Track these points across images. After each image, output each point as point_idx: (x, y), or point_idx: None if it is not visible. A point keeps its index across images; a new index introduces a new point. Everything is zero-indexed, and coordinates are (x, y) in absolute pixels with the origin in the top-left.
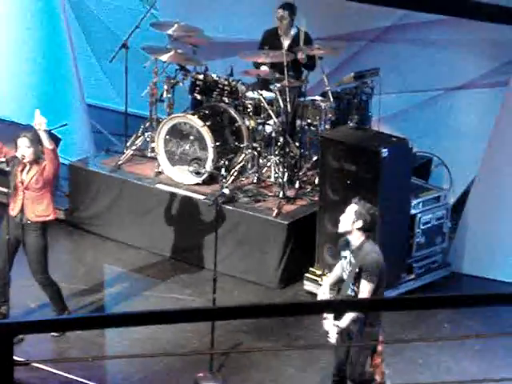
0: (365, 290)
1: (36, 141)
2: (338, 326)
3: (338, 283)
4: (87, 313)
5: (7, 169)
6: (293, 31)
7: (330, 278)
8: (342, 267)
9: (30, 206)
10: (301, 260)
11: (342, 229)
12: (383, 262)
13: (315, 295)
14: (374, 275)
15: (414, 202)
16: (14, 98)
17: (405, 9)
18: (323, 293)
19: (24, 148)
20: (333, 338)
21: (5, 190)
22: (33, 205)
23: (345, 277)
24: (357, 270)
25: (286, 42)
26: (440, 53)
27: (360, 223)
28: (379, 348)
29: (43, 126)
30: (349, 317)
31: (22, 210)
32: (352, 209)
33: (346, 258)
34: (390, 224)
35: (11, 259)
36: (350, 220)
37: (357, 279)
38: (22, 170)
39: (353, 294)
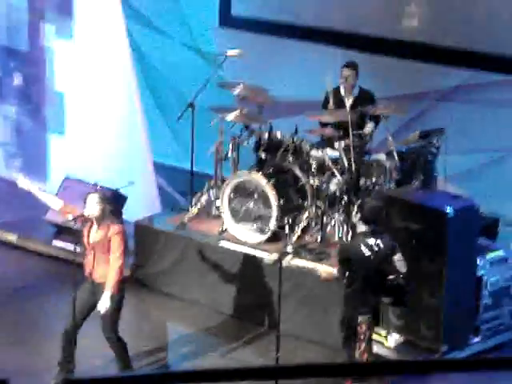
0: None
1: (105, 199)
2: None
3: None
4: (151, 370)
5: (75, 227)
6: (356, 90)
7: None
8: None
9: (98, 266)
10: None
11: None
12: (359, 260)
13: (380, 356)
14: (339, 259)
15: (481, 262)
16: (81, 156)
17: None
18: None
19: (92, 205)
20: None
21: (71, 247)
22: (101, 265)
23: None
24: None
25: (349, 101)
26: (506, 113)
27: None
28: (359, 330)
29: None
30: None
31: (92, 269)
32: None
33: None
34: (456, 285)
35: (83, 319)
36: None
37: None
38: (90, 229)
39: None
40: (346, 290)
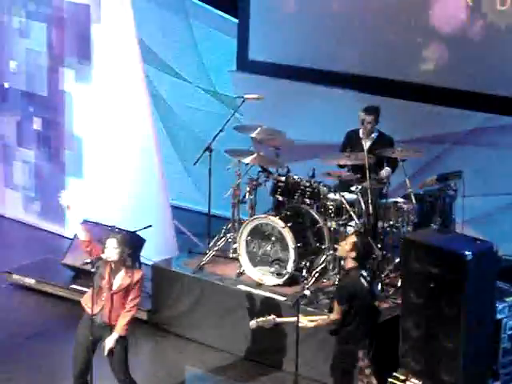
0: (334, 309)
1: (123, 243)
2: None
3: None
4: None
5: (92, 270)
6: (374, 134)
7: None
8: None
9: (115, 309)
10: (383, 364)
11: (339, 253)
12: (363, 293)
13: None
14: (343, 298)
15: (500, 306)
16: (99, 199)
17: None
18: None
19: (111, 249)
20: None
21: (86, 290)
22: (118, 309)
23: None
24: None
25: (367, 144)
26: None
27: (353, 254)
28: (360, 364)
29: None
30: (316, 322)
31: (109, 313)
32: (351, 239)
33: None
34: (475, 328)
35: (91, 362)
36: (347, 248)
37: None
38: (111, 273)
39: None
40: (347, 327)
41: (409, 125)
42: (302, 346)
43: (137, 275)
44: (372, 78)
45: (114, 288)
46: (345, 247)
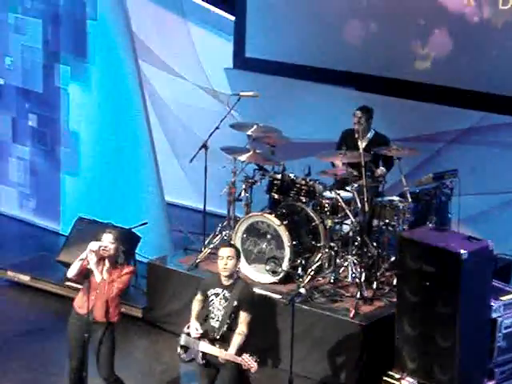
0: (245, 320)
1: (119, 239)
2: (231, 356)
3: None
4: None
5: (88, 267)
6: (370, 134)
7: (194, 315)
8: (208, 303)
9: (101, 306)
10: (378, 362)
11: (226, 271)
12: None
13: None
14: (252, 307)
15: (495, 305)
16: (94, 196)
17: None
18: (196, 328)
19: (107, 243)
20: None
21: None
22: (104, 305)
23: (216, 312)
24: (235, 303)
25: (362, 144)
26: None
27: (239, 263)
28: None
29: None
30: (235, 346)
31: (94, 308)
32: (231, 251)
33: (217, 294)
34: (470, 327)
35: (84, 357)
36: (234, 261)
37: (235, 313)
38: (103, 268)
39: (226, 327)
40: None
41: (405, 123)
42: (296, 344)
43: (127, 269)
44: (368, 76)
45: (100, 281)
46: (231, 262)
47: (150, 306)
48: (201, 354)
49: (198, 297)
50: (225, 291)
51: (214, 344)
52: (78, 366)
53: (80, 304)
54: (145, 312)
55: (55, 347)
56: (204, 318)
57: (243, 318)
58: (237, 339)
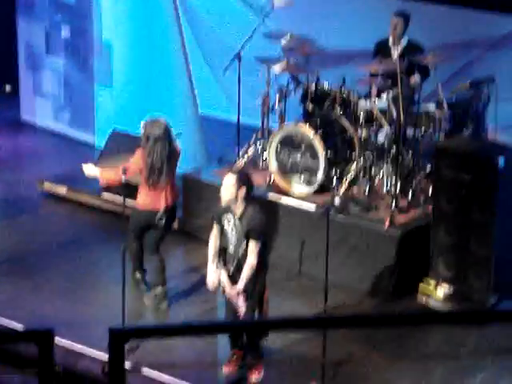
0: (254, 250)
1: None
2: (239, 290)
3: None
4: (200, 320)
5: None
6: (404, 41)
7: (211, 257)
8: (222, 234)
9: (158, 194)
10: (414, 271)
11: (226, 198)
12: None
13: (427, 307)
14: (262, 234)
15: None
16: (128, 108)
17: None
18: (212, 282)
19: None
20: (241, 306)
21: (119, 199)
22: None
23: (231, 241)
24: (244, 231)
25: (396, 52)
26: None
27: (243, 191)
28: (266, 295)
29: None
30: (244, 279)
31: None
32: (232, 179)
33: (229, 221)
34: (506, 235)
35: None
36: (233, 189)
37: (246, 241)
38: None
39: (240, 255)
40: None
41: (441, 30)
42: (331, 254)
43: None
44: None
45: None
46: (230, 190)
47: (185, 217)
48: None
49: (214, 230)
50: (236, 219)
51: (232, 274)
52: (139, 247)
53: (142, 199)
54: (180, 223)
55: (92, 257)
56: (223, 247)
57: (251, 247)
58: (244, 272)
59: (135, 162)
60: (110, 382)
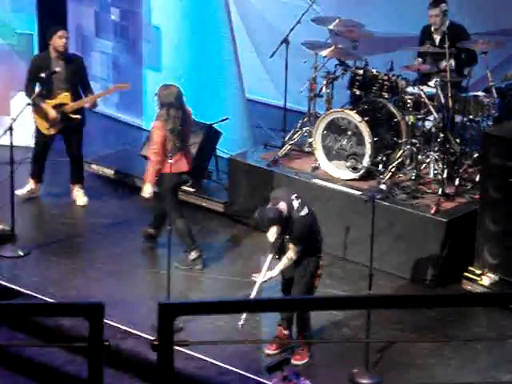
0: (293, 249)
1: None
2: (271, 277)
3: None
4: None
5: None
6: (444, 26)
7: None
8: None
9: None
10: (459, 259)
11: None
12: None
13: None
14: (301, 240)
15: None
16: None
17: None
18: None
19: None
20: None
21: None
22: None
23: None
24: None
25: (437, 37)
26: None
27: (280, 227)
28: (318, 272)
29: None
30: (278, 269)
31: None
32: (271, 231)
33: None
34: None
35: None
36: (275, 234)
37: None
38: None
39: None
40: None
41: (492, 15)
42: (376, 240)
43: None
44: None
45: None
46: (271, 232)
47: (230, 201)
48: None
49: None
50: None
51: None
52: (186, 223)
53: (172, 164)
54: (226, 207)
55: (139, 238)
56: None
57: (291, 246)
58: (282, 261)
59: (157, 134)
60: (159, 356)
